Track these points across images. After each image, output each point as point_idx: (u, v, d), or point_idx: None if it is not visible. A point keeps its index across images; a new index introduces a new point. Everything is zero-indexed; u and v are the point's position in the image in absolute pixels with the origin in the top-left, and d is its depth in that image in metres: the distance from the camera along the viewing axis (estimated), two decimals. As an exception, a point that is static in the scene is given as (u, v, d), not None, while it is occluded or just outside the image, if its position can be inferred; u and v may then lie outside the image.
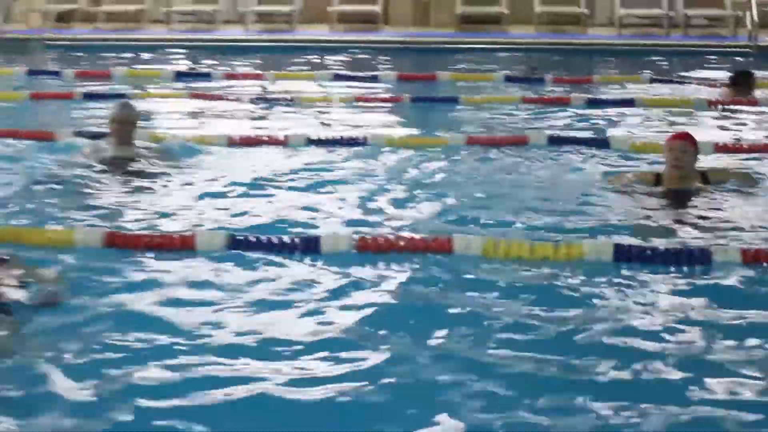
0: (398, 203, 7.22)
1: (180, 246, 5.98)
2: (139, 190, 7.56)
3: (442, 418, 3.81)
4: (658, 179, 6.97)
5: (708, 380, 4.12)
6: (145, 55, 15.32)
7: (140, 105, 8.63)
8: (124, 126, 7.97)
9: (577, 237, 6.21)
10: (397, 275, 5.60)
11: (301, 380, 4.26)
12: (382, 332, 4.83)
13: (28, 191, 7.46)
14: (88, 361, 4.47)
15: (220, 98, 11.51)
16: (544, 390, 4.10)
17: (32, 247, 5.92)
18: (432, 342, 4.69)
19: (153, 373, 4.33)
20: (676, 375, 4.25)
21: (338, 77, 13.11)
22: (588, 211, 6.89)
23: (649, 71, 13.23)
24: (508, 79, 12.71)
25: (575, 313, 5.05)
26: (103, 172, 7.80)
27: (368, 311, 5.05)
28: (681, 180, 6.80)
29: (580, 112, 10.64)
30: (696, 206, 6.81)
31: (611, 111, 10.73)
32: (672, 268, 5.65)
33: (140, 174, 7.84)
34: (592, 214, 6.82)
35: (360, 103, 11.24)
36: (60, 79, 13.09)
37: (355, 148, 8.79)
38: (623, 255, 5.74)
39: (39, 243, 6.04)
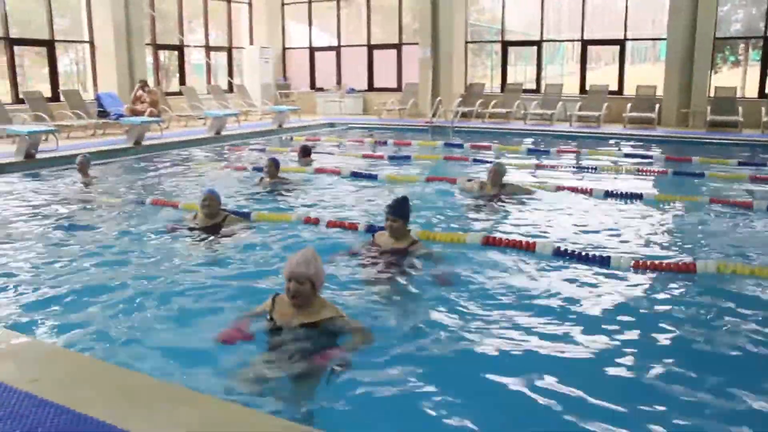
0: (661, 237, 6.77)
1: (525, 248, 5.92)
2: (503, 213, 7.58)
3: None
4: None
5: None
6: (511, 138, 15.32)
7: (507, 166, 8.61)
8: (496, 175, 8.10)
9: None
10: (661, 285, 5.17)
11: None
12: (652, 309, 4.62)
13: (439, 211, 7.66)
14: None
15: (552, 167, 11.27)
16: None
17: (443, 243, 6.09)
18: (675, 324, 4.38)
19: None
20: None
21: (627, 156, 12.40)
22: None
23: None
24: (741, 163, 11.39)
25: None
26: (482, 201, 7.95)
27: (636, 307, 4.76)
28: None
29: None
30: None
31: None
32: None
33: (502, 203, 7.92)
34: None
35: (640, 173, 10.55)
36: (461, 149, 13.41)
37: (636, 201, 8.28)
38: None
39: (444, 241, 6.18)
